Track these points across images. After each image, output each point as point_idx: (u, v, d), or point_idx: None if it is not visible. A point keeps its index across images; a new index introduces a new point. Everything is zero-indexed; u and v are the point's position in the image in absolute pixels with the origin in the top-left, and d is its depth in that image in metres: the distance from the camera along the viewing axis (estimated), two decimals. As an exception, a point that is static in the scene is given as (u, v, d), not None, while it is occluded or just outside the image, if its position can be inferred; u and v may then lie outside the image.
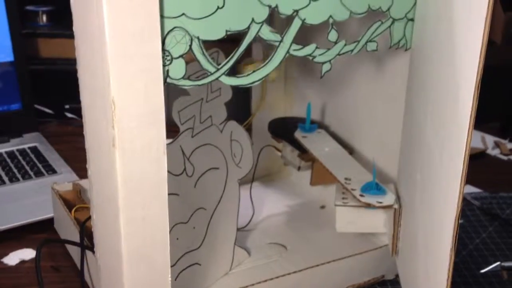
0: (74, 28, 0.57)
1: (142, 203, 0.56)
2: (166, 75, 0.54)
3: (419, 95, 0.66)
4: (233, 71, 0.59)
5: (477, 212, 0.93)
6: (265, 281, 0.69)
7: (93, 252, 0.67)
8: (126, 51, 0.51)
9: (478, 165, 1.10)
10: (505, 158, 1.14)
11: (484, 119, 1.25)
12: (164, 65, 0.53)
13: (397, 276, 0.76)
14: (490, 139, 1.21)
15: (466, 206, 0.94)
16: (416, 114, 0.67)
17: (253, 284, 0.69)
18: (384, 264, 0.76)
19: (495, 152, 1.16)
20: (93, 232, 0.64)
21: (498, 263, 0.79)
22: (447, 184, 0.52)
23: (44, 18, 1.36)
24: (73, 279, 0.75)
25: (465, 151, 0.46)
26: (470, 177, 1.02)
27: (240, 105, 0.91)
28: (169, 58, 0.53)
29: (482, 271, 0.79)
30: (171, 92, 0.57)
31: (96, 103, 0.55)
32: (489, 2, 0.46)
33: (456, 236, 0.50)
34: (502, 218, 0.91)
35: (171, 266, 0.60)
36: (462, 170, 0.48)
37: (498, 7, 1.34)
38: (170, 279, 0.61)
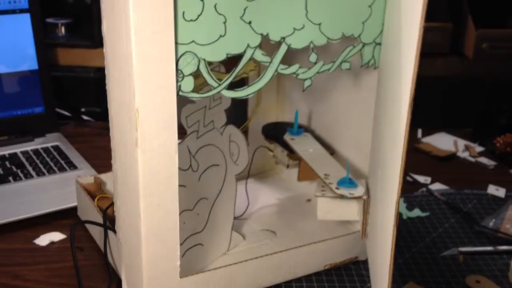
0: (104, 51, 0.65)
1: (158, 192, 0.63)
2: (178, 89, 0.61)
3: (383, 105, 0.72)
4: (232, 85, 0.66)
5: (442, 206, 1.00)
6: (256, 258, 0.74)
7: (115, 232, 0.74)
8: (148, 70, 0.59)
9: (448, 165, 1.17)
10: (473, 160, 1.17)
11: (458, 125, 1.34)
12: (177, 81, 0.60)
13: (368, 257, 0.81)
14: (461, 143, 1.24)
15: (434, 201, 1.01)
16: (380, 120, 0.73)
17: (246, 260, 0.74)
18: (357, 247, 0.81)
19: (464, 154, 1.19)
20: (115, 215, 0.71)
21: (455, 248, 0.86)
22: (393, 175, 0.59)
23: (63, 29, 1.39)
24: (95, 257, 0.81)
25: (403, 149, 0.54)
26: (440, 176, 1.12)
27: (238, 112, 0.96)
28: (181, 75, 0.61)
29: (441, 254, 0.85)
30: (179, 100, 0.62)
31: (122, 111, 0.63)
32: (420, 30, 0.53)
33: (397, 215, 0.57)
34: (464, 211, 0.98)
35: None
36: (401, 161, 0.55)
37: (470, 24, 1.43)
38: (179, 254, 0.68)
